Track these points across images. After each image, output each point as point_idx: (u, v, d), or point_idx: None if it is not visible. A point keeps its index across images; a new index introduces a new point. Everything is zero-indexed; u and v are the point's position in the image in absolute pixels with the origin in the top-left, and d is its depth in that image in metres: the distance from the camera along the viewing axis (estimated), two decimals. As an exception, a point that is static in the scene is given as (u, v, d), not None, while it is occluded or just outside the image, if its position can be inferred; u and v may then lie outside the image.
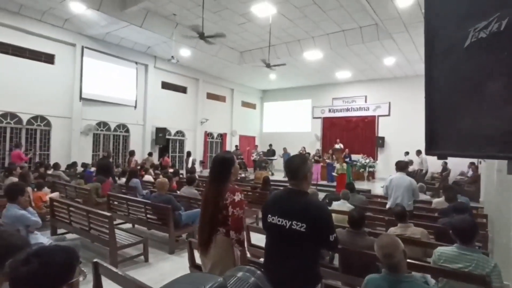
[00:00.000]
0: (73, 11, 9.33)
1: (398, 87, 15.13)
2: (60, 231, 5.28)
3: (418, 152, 11.46)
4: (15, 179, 5.85)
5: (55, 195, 6.14)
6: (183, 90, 15.51)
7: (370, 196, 8.03)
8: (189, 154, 13.74)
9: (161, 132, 13.70)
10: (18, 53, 9.85)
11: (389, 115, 15.57)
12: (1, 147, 9.64)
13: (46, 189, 6.27)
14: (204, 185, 8.49)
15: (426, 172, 11.65)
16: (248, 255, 2.90)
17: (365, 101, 16.34)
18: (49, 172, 8.74)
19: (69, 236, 4.94)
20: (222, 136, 17.81)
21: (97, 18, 9.63)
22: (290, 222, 1.90)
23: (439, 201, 5.63)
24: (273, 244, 2.06)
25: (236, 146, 17.08)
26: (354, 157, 14.39)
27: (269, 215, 2.03)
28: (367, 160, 14.44)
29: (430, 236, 3.75)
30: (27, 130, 10.21)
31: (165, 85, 14.60)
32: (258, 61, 12.20)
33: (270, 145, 16.48)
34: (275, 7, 8.93)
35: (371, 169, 14.48)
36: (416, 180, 10.90)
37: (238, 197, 2.23)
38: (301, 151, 14.84)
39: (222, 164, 2.34)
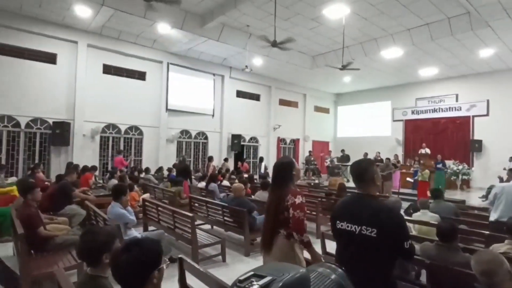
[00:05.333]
0: (160, 32, 10.53)
1: (499, 82, 13.10)
2: (150, 228, 5.89)
3: (529, 157, 9.65)
4: (116, 181, 6.78)
5: (147, 196, 6.91)
6: (256, 97, 16.02)
7: (464, 208, 7.05)
8: (261, 159, 14.06)
9: (236, 139, 14.35)
10: (118, 72, 11.52)
11: (487, 115, 13.55)
12: (105, 154, 11.31)
13: (135, 188, 7.04)
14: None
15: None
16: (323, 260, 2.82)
17: (456, 100, 14.52)
18: (141, 175, 9.89)
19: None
20: (295, 142, 17.77)
21: (180, 36, 10.68)
22: (359, 228, 1.83)
23: None
24: (343, 251, 1.98)
25: (310, 151, 16.84)
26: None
27: (338, 221, 1.97)
28: (460, 167, 12.70)
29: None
30: (125, 139, 11.78)
31: (240, 94, 15.28)
32: (331, 64, 11.89)
33: (343, 151, 15.90)
34: (349, 7, 8.61)
35: (465, 177, 12.70)
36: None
37: (299, 199, 2.30)
38: (375, 157, 13.95)
39: (281, 169, 2.45)
